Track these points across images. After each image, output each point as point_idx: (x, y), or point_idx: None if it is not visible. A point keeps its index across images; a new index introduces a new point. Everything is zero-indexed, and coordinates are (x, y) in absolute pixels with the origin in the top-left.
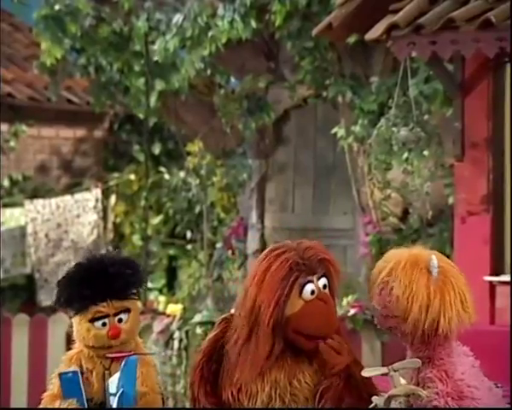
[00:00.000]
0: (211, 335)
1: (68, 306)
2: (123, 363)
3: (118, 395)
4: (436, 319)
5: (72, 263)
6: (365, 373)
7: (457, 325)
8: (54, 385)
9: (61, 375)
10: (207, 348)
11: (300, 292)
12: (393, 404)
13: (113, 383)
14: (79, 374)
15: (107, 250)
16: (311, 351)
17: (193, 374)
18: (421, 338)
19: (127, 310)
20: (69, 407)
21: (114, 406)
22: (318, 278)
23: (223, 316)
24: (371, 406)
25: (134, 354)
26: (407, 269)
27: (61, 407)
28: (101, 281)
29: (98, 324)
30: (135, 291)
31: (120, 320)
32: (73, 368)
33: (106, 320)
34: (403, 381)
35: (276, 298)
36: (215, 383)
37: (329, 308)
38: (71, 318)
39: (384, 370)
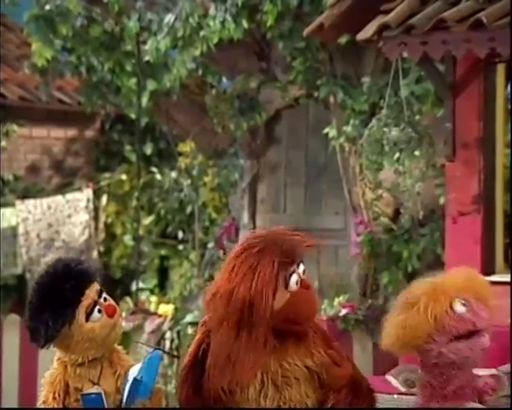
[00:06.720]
0: (195, 339)
1: (58, 322)
2: (147, 355)
3: (137, 380)
4: None
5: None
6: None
7: None
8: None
9: (83, 396)
10: (193, 352)
11: (286, 284)
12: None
13: (133, 370)
14: (103, 395)
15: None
16: (299, 333)
17: (180, 377)
18: None
19: (101, 290)
20: None
21: (128, 389)
22: (298, 266)
23: (203, 319)
24: None
25: (159, 350)
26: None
27: None
28: (64, 283)
29: (95, 314)
30: (94, 275)
31: (105, 300)
32: (96, 389)
33: (98, 307)
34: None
35: (271, 295)
36: (199, 386)
37: (312, 293)
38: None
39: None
